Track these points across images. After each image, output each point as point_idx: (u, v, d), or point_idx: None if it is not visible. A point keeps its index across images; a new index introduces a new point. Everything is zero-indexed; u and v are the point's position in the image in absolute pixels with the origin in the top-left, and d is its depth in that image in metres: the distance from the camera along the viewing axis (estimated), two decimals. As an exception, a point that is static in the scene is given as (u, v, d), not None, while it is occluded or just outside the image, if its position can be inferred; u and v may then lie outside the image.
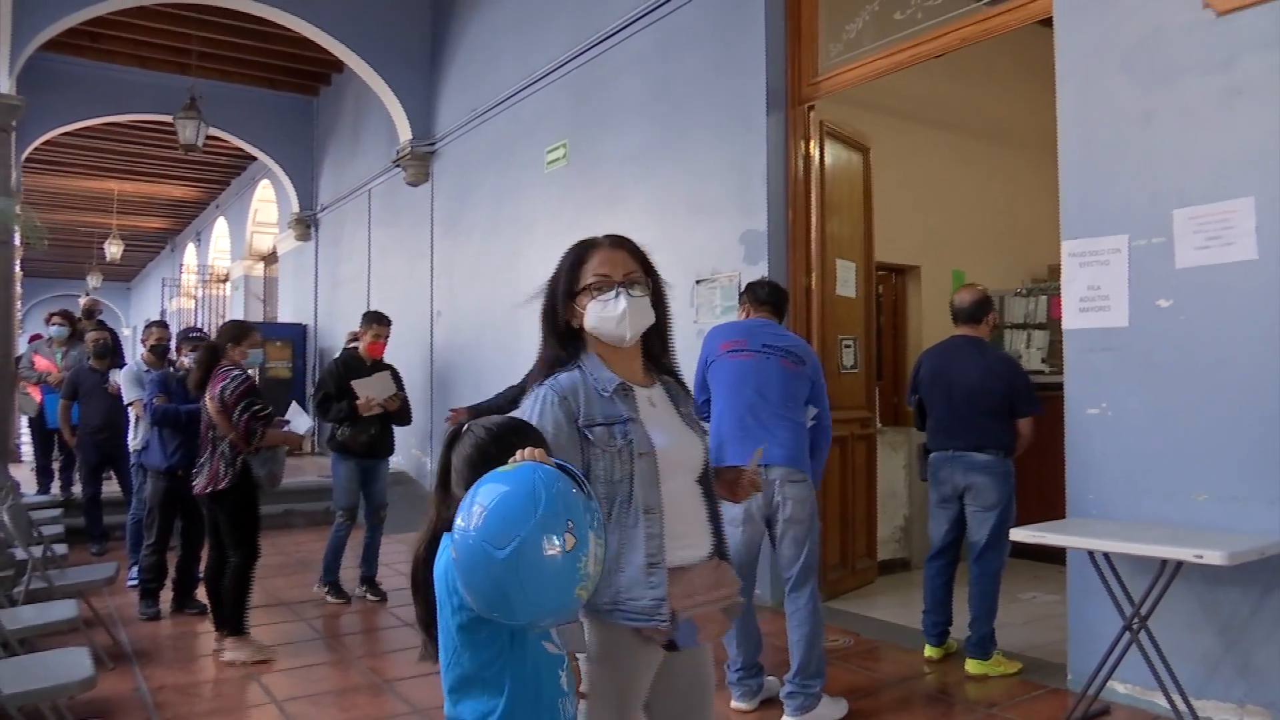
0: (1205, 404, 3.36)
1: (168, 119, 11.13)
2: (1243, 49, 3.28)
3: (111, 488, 7.04)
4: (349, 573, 5.86)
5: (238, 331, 4.73)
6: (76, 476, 7.45)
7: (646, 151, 6.41)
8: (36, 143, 12.13)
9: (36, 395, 8.01)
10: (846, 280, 5.69)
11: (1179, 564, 3.08)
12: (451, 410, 5.42)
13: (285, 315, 14.68)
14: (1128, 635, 3.30)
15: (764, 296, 3.95)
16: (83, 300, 10.04)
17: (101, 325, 8.51)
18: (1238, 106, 3.30)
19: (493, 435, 1.67)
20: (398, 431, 6.19)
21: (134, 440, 6.09)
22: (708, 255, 5.79)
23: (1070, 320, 3.82)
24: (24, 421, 9.00)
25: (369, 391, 5.63)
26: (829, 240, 5.51)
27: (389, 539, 7.85)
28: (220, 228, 19.08)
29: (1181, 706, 3.21)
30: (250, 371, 4.75)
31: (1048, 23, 4.02)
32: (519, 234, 8.02)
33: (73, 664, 3.03)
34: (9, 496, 5.23)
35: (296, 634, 5.02)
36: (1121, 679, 3.51)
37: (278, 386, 11.87)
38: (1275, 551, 3.04)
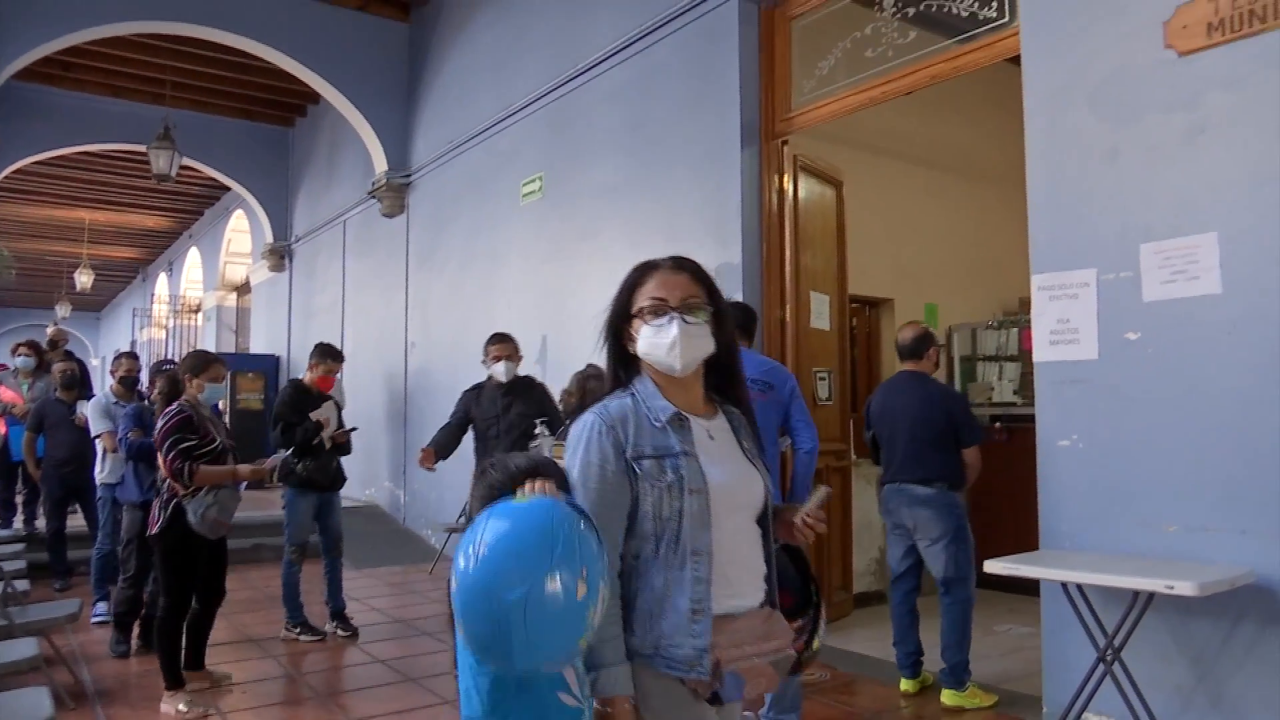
0: (1174, 435, 3.40)
1: (141, 149, 11.08)
2: (1204, 88, 3.35)
3: (76, 522, 6.91)
4: (314, 609, 5.77)
5: (197, 363, 4.44)
6: (40, 510, 7.31)
7: (622, 185, 6.45)
8: (7, 171, 12.02)
9: (0, 427, 7.87)
10: (820, 313, 5.72)
11: (1151, 595, 3.09)
12: (422, 450, 5.35)
13: (258, 346, 14.56)
14: (1102, 667, 3.31)
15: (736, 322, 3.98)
16: (49, 330, 9.92)
17: (69, 356, 8.39)
18: (1200, 144, 3.37)
19: (510, 477, 1.64)
20: (371, 464, 6.16)
21: (101, 473, 5.98)
22: (683, 287, 5.80)
23: (1041, 353, 3.86)
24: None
25: (329, 423, 5.64)
26: (803, 273, 5.55)
27: (361, 574, 7.76)
28: (193, 258, 18.95)
29: (1155, 739, 3.21)
30: (206, 407, 4.41)
31: (1016, 61, 4.10)
32: (494, 266, 8.03)
33: (32, 704, 2.96)
34: (-31, 532, 5.14)
35: (265, 672, 4.93)
36: (1096, 710, 3.51)
37: (249, 418, 11.75)
38: (1245, 582, 3.06)
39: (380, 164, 9.91)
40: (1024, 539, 3.93)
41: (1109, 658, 3.29)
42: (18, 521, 8.11)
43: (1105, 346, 3.62)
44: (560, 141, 7.19)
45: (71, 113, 11.79)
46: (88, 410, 6.17)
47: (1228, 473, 3.25)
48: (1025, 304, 4.01)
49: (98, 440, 5.95)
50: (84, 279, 18.31)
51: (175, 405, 4.26)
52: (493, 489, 1.60)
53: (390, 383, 9.97)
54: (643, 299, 1.86)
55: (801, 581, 1.95)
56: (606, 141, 6.63)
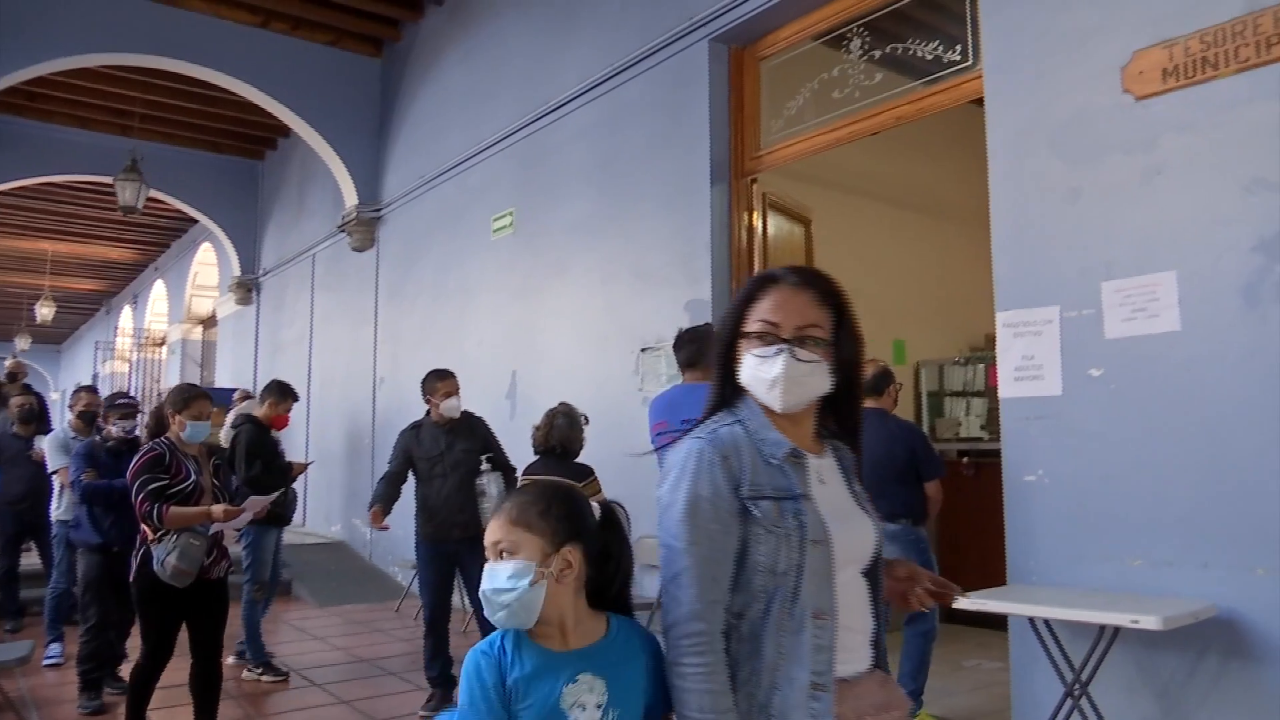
0: (1136, 470, 3.44)
1: (107, 180, 10.99)
2: (1161, 131, 3.44)
3: (30, 560, 6.74)
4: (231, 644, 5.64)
5: (180, 398, 4.05)
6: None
7: (592, 221, 6.48)
8: (-32, 202, 11.88)
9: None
10: (789, 348, 5.75)
11: (1116, 629, 3.12)
12: (370, 512, 5.14)
13: (223, 380, 14.39)
14: (1070, 701, 3.32)
15: (685, 360, 3.98)
16: (8, 363, 9.74)
17: (28, 390, 8.24)
18: (1158, 185, 3.45)
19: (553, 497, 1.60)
20: (338, 500, 6.09)
21: (57, 510, 5.85)
22: (653, 323, 5.83)
23: (1006, 389, 3.90)
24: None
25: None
26: (772, 309, 5.58)
27: (325, 611, 7.64)
28: (158, 290, 18.74)
29: (1123, 774, 3.21)
30: (192, 445, 4.03)
31: (979, 103, 4.18)
32: (465, 301, 8.01)
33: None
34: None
35: (229, 716, 4.82)
36: (1064, 747, 3.51)
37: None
38: (1207, 615, 3.10)
39: (350, 198, 9.89)
40: (992, 574, 3.95)
41: (1076, 692, 3.30)
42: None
43: (1069, 383, 3.67)
44: (531, 177, 7.22)
45: (36, 143, 11.69)
46: (44, 445, 6.05)
47: (1189, 507, 3.30)
48: (991, 340, 4.06)
49: (54, 476, 5.83)
50: (45, 311, 18.05)
51: (150, 443, 3.99)
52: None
53: (357, 418, 9.88)
54: (753, 320, 1.58)
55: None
56: (577, 178, 6.67)
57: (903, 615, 4.43)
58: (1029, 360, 3.79)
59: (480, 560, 4.61)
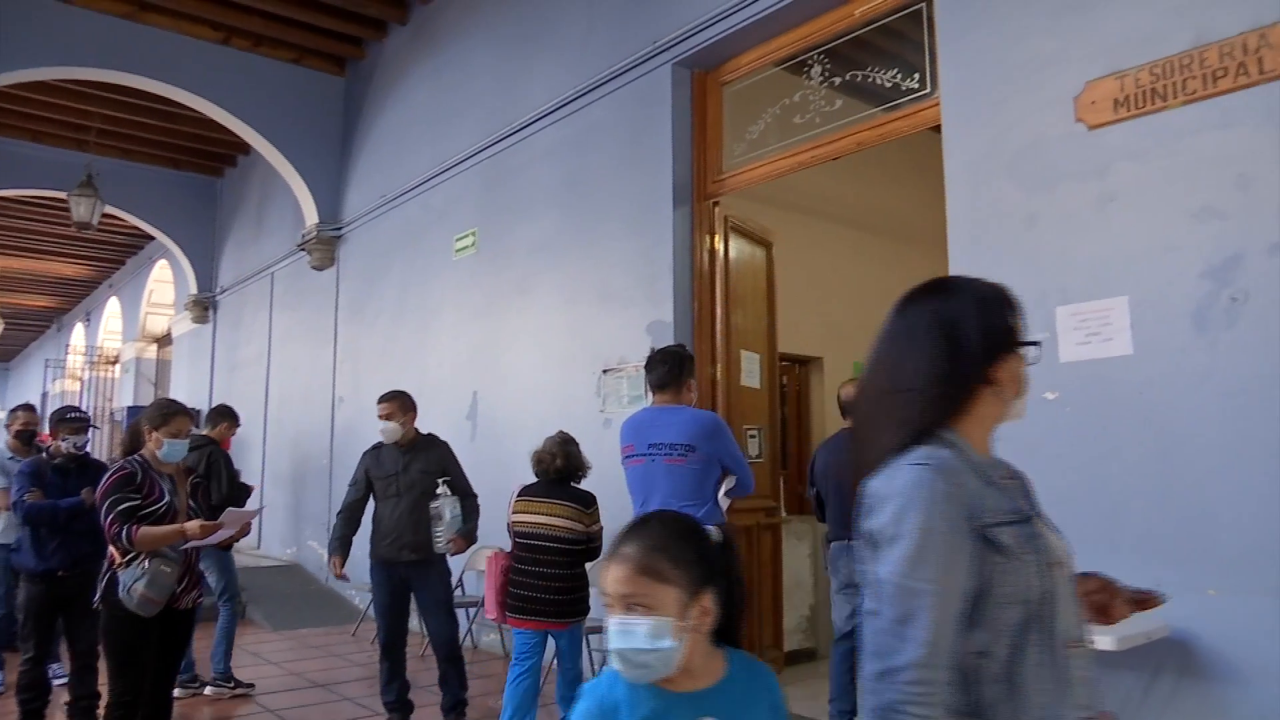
0: (1091, 492, 3.50)
1: (61, 195, 10.80)
2: (1114, 159, 3.52)
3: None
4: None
5: (159, 413, 3.79)
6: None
7: (556, 241, 6.48)
8: (-84, 216, 11.62)
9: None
10: (751, 371, 5.79)
11: (1072, 650, 3.15)
12: (330, 561, 5.06)
13: (178, 400, 14.14)
14: (1026, 723, 3.34)
15: (656, 381, 3.98)
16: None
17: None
18: (1111, 211, 3.53)
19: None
20: (295, 522, 6.02)
21: None
22: (615, 344, 5.84)
23: (964, 411, 3.94)
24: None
25: None
26: (734, 331, 5.62)
27: (280, 635, 7.51)
28: (112, 308, 18.42)
29: (1079, 794, 3.24)
30: (168, 464, 3.75)
31: (938, 129, 4.26)
32: (426, 321, 7.97)
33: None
34: None
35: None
36: (1022, 767, 3.54)
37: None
38: (1161, 635, 3.14)
39: (311, 216, 9.81)
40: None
41: (1034, 713, 3.33)
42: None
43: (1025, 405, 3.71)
44: (495, 197, 7.22)
45: (-12, 157, 11.48)
46: None
47: (1142, 528, 3.35)
48: (949, 363, 4.10)
49: None
50: (-6, 328, 17.66)
51: (123, 463, 3.71)
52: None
53: (316, 438, 9.75)
54: (1027, 333, 1.56)
55: None
56: (541, 198, 6.68)
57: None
58: (986, 383, 3.84)
59: (431, 583, 4.55)
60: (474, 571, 6.56)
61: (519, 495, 4.33)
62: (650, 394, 4.08)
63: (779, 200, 7.08)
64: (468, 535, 4.75)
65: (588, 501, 4.26)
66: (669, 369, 3.94)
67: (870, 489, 1.41)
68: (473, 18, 7.77)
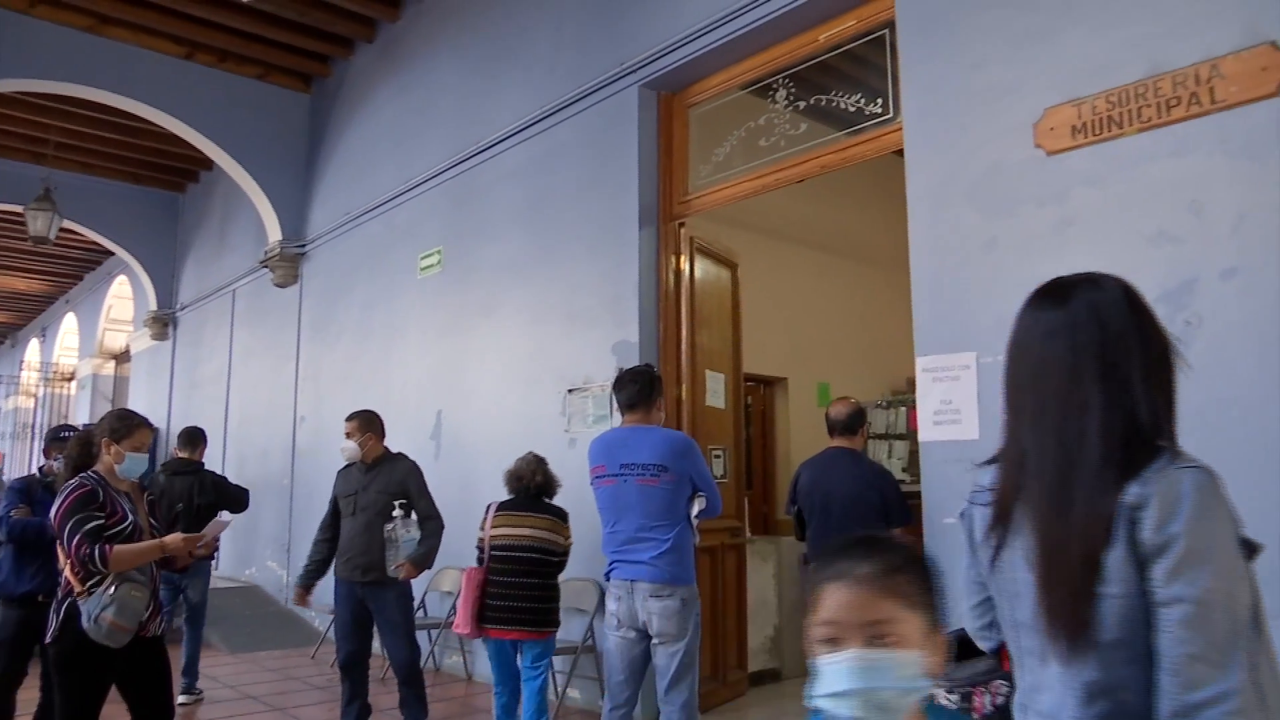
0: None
1: (18, 209, 10.61)
2: (1071, 184, 3.59)
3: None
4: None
5: (120, 425, 3.52)
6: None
7: (521, 261, 6.47)
8: None
9: None
10: (716, 391, 5.80)
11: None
12: (297, 590, 5.02)
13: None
14: (988, 743, 3.36)
15: (626, 401, 3.96)
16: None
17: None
18: (1069, 236, 3.58)
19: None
20: (253, 543, 5.94)
21: None
22: (581, 364, 5.83)
23: (925, 433, 3.98)
24: None
25: None
26: (699, 352, 5.63)
27: (238, 658, 7.37)
28: (69, 323, 18.10)
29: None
30: (124, 480, 3.51)
31: (901, 153, 4.31)
32: (390, 339, 7.91)
33: None
34: None
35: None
36: (983, 788, 3.55)
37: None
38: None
39: (274, 233, 9.72)
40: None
41: (994, 733, 3.34)
42: None
43: (985, 427, 3.76)
44: (460, 217, 7.20)
45: (-58, 170, 11.26)
46: None
47: (1101, 549, 3.39)
48: (912, 384, 4.15)
49: None
50: (-54, 344, 17.27)
51: (76, 478, 3.38)
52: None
53: (277, 458, 9.62)
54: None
55: None
56: (507, 218, 6.67)
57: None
58: (947, 405, 3.88)
59: (388, 605, 4.48)
60: (437, 593, 6.49)
61: (499, 510, 4.49)
62: (619, 414, 4.07)
63: (744, 222, 7.13)
64: (419, 561, 4.65)
65: (564, 516, 4.56)
66: (639, 389, 3.93)
67: (1139, 494, 1.27)
68: (440, 37, 7.78)
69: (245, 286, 10.93)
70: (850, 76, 4.87)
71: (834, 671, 1.13)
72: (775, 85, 5.24)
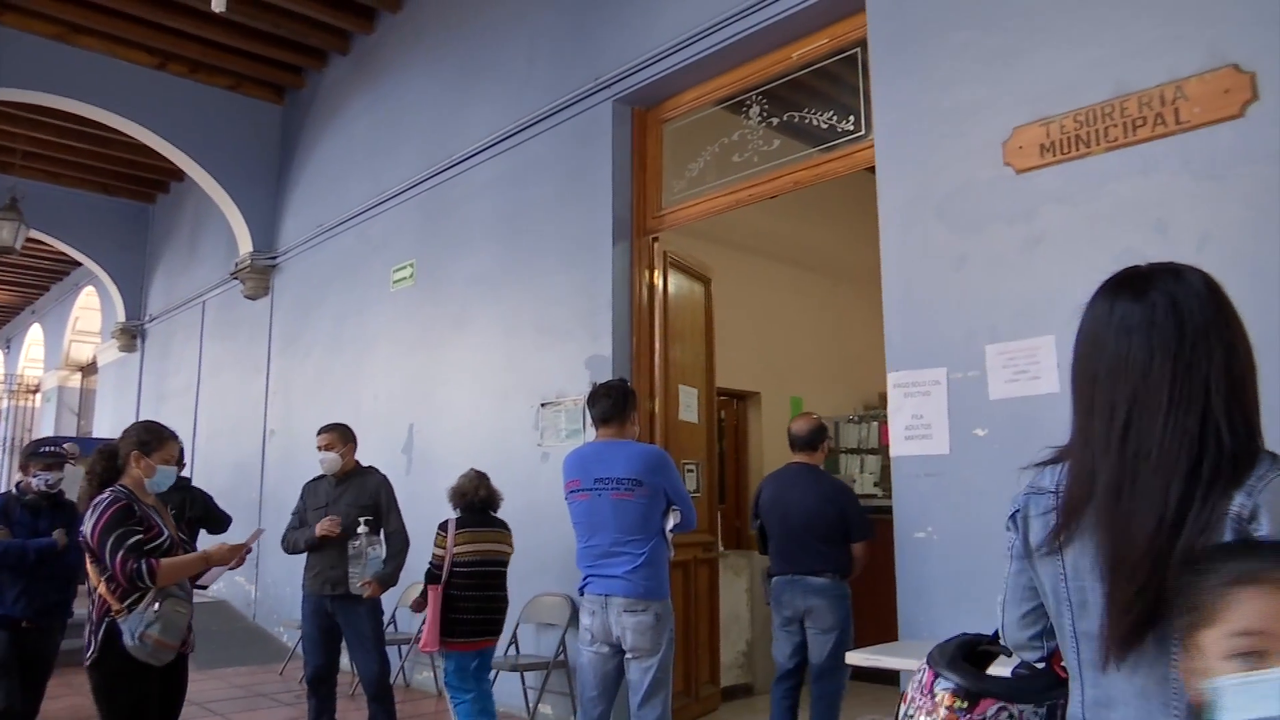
0: (1020, 528, 3.56)
1: (-17, 220, 10.45)
2: (1040, 202, 3.63)
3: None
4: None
5: (150, 438, 3.43)
6: None
7: (495, 274, 6.46)
8: None
9: None
10: (689, 406, 5.81)
11: (1002, 684, 3.18)
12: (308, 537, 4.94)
13: (102, 430, 13.70)
14: (958, 757, 3.36)
15: (600, 415, 3.95)
16: None
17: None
18: (1037, 253, 3.63)
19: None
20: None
21: None
22: (554, 378, 5.81)
23: (897, 447, 4.01)
24: None
25: None
26: (672, 366, 5.64)
27: (205, 675, 7.26)
28: (34, 334, 17.84)
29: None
30: (150, 495, 3.41)
31: (873, 170, 4.35)
32: (362, 352, 7.85)
33: None
34: None
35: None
36: (954, 802, 3.55)
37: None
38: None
39: (245, 244, 9.64)
40: (885, 628, 4.01)
41: (965, 748, 3.35)
42: None
43: (955, 442, 3.79)
44: (433, 230, 7.17)
45: (-95, 178, 11.08)
46: None
47: (1069, 563, 3.42)
48: (884, 399, 4.18)
49: None
50: (-93, 355, 16.97)
51: (107, 492, 3.25)
52: None
53: (245, 471, 9.51)
54: None
55: None
56: (481, 231, 6.66)
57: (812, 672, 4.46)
58: (919, 419, 3.91)
59: (358, 619, 4.44)
60: (407, 607, 6.44)
61: (460, 528, 4.59)
62: (592, 428, 4.06)
63: (718, 237, 7.16)
64: (386, 579, 4.64)
65: (508, 527, 4.81)
66: (613, 403, 3.93)
67: (1247, 504, 1.20)
68: (415, 50, 7.77)
69: (215, 298, 10.82)
70: (823, 94, 4.91)
71: (1257, 691, 0.98)
72: (749, 102, 5.27)
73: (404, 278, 7.42)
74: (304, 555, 4.82)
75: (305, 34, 8.57)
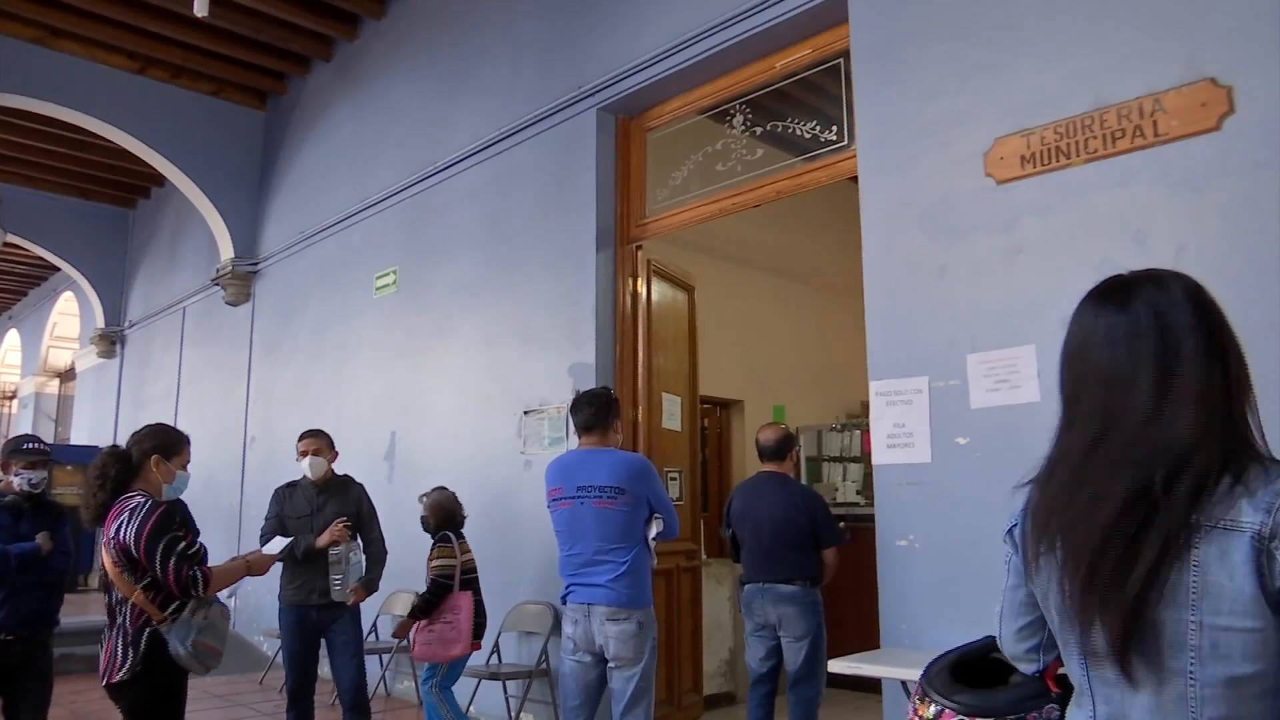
0: (999, 535, 3.57)
1: (-41, 224, 10.36)
2: (1020, 213, 3.66)
3: None
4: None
5: (169, 442, 3.39)
6: None
7: (478, 282, 6.44)
8: None
9: None
10: (672, 414, 5.81)
11: (983, 692, 3.19)
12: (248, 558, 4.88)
13: (80, 437, 13.59)
14: (939, 766, 3.37)
15: (583, 423, 3.94)
16: None
17: None
18: (1018, 263, 3.65)
19: None
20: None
21: None
22: (537, 386, 5.81)
23: (879, 456, 4.02)
24: None
25: None
26: (655, 374, 5.64)
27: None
28: (11, 340, 17.67)
29: (990, 836, 3.27)
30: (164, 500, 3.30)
31: (855, 180, 4.37)
32: (343, 359, 7.82)
33: None
34: None
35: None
36: (935, 811, 3.56)
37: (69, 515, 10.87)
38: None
39: (226, 250, 9.58)
40: (867, 637, 4.02)
41: (946, 756, 3.36)
42: None
43: (937, 450, 3.80)
44: (416, 237, 7.15)
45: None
46: None
47: (1049, 572, 3.43)
48: (867, 407, 4.20)
49: None
50: (-120, 360, 16.77)
51: (144, 499, 3.12)
52: None
53: (226, 479, 9.44)
54: None
55: None
56: (464, 239, 6.64)
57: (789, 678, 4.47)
58: (900, 428, 3.93)
59: (342, 627, 4.44)
60: (388, 615, 6.39)
61: (460, 539, 4.99)
62: (575, 436, 4.05)
63: (701, 245, 7.18)
64: (369, 585, 4.66)
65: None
66: (596, 411, 3.92)
67: (1266, 522, 1.18)
68: (399, 57, 7.76)
69: (196, 304, 10.75)
70: (806, 104, 4.94)
71: None
72: (732, 111, 5.29)
73: (387, 285, 7.40)
74: (278, 565, 4.76)
75: (288, 39, 8.54)
